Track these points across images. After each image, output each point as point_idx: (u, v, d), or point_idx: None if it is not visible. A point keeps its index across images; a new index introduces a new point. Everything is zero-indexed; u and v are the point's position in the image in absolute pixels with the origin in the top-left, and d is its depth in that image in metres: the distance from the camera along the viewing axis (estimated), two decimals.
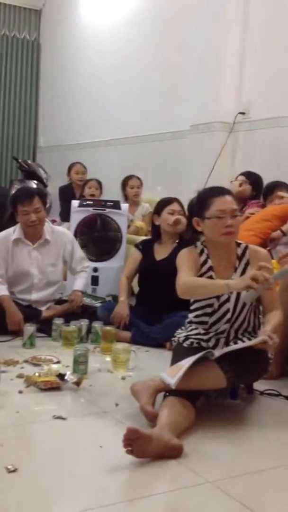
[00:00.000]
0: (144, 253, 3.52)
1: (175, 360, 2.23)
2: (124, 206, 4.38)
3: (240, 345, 2.22)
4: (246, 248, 2.37)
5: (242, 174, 4.07)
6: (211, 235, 2.30)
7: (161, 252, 3.47)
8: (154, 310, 3.35)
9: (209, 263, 2.34)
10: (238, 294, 2.27)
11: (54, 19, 7.30)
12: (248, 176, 4.04)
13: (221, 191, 2.34)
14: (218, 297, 2.28)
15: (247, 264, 2.33)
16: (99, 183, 5.15)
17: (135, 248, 3.59)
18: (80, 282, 3.52)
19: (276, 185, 3.74)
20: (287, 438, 2.09)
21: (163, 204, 3.49)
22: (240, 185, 3.98)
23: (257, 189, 4.00)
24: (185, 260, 2.33)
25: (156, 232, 3.52)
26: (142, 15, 5.68)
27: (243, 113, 4.44)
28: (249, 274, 2.08)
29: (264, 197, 3.84)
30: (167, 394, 2.10)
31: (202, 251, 2.36)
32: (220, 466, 1.81)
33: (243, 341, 2.26)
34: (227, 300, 2.28)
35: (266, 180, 3.93)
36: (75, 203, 4.34)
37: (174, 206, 3.44)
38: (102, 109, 6.18)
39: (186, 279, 2.25)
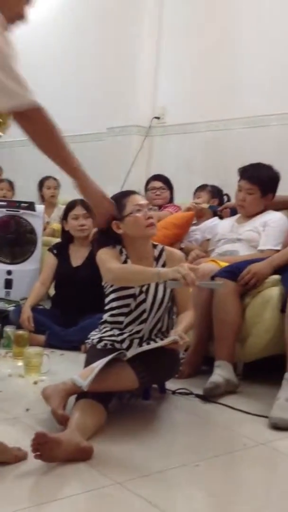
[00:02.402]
0: (59, 257, 3.49)
1: (88, 362, 2.22)
2: (39, 207, 4.31)
3: (152, 345, 2.25)
4: (162, 249, 2.42)
5: (157, 179, 4.05)
6: (134, 231, 2.32)
7: (76, 257, 3.47)
8: (70, 313, 3.33)
9: (129, 263, 2.36)
10: (155, 296, 2.31)
11: None
12: (161, 179, 4.04)
13: (131, 192, 2.43)
14: (135, 297, 2.30)
15: (163, 265, 2.37)
16: (11, 184, 5.03)
17: (49, 252, 3.55)
18: None
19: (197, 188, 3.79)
20: (197, 436, 2.14)
21: (67, 209, 3.50)
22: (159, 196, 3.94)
23: (171, 192, 4.06)
24: (108, 255, 2.33)
25: (66, 237, 3.52)
26: (57, 16, 5.64)
27: (158, 118, 4.50)
28: (180, 270, 2.05)
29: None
30: (79, 397, 2.09)
31: (121, 251, 2.38)
32: (130, 467, 1.82)
33: (156, 342, 2.29)
34: (144, 300, 2.31)
35: (179, 184, 3.99)
36: None
37: (77, 210, 3.45)
38: None
39: (118, 265, 2.27)
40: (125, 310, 2.33)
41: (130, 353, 2.18)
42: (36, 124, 1.60)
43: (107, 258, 2.31)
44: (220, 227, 3.25)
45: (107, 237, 2.40)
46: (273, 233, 2.97)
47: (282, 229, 2.98)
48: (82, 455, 1.81)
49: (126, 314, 2.33)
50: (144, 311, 2.31)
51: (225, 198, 3.69)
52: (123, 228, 2.33)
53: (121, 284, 2.32)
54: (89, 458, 1.82)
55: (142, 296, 2.30)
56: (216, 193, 3.71)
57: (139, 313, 2.31)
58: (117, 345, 2.29)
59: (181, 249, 3.39)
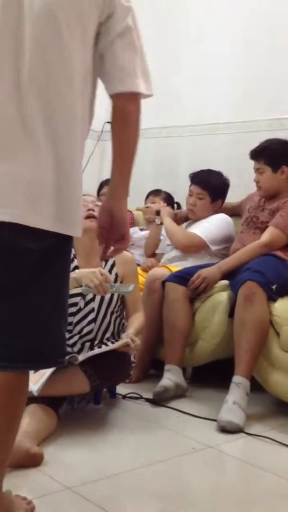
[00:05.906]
0: None
1: None
2: None
3: (103, 349, 2.25)
4: None
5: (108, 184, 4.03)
6: None
7: None
8: None
9: (75, 262, 2.36)
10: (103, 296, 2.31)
11: None
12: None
13: None
14: (84, 296, 2.30)
15: (113, 266, 2.40)
16: None
17: None
18: None
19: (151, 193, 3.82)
20: (147, 440, 2.15)
21: None
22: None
23: None
24: None
25: None
26: None
27: (110, 122, 4.50)
28: (93, 279, 2.17)
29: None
30: (29, 401, 2.07)
31: None
32: (80, 472, 1.81)
33: (107, 345, 2.30)
34: (92, 299, 2.32)
35: (130, 189, 3.99)
36: None
37: None
38: None
39: None
40: (74, 309, 2.32)
41: (81, 357, 2.18)
42: (134, 113, 1.46)
43: None
44: None
45: None
46: (208, 226, 3.05)
47: (220, 227, 3.06)
48: (31, 461, 1.80)
49: (74, 314, 2.32)
50: (92, 310, 2.32)
51: (176, 206, 3.73)
52: None
53: None
54: (39, 464, 1.80)
55: (90, 295, 2.31)
56: (168, 199, 3.74)
57: (88, 311, 2.32)
58: (68, 349, 2.29)
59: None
